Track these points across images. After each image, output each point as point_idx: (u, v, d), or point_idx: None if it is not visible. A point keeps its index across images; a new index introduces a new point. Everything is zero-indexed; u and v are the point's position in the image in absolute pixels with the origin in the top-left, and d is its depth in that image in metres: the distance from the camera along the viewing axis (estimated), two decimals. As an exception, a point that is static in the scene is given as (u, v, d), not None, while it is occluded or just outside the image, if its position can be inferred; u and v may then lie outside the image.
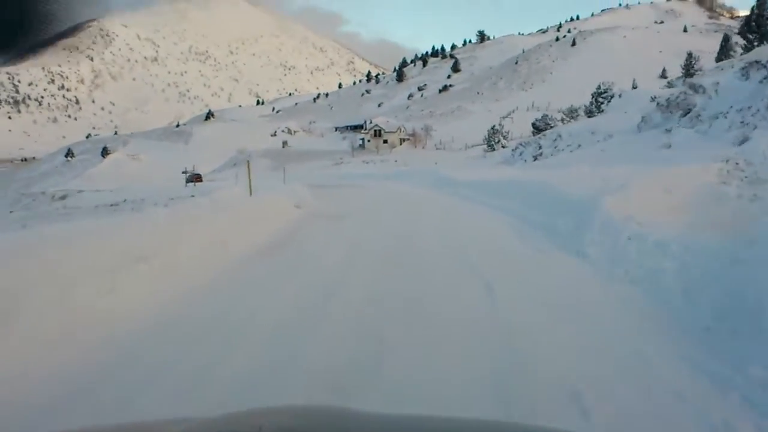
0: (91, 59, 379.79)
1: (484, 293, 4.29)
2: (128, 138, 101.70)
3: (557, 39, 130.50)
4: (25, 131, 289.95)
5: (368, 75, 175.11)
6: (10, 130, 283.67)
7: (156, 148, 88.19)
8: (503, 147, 41.32)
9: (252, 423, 1.14)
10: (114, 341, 3.38)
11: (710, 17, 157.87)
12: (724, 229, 4.88)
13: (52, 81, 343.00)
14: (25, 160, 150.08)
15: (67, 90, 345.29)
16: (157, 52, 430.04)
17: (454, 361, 2.99)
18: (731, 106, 13.85)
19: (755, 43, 29.11)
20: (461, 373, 2.85)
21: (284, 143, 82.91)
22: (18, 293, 3.29)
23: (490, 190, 11.87)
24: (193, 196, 12.53)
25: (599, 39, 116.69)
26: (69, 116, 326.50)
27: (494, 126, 47.08)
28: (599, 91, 34.51)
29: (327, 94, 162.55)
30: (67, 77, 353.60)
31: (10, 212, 20.78)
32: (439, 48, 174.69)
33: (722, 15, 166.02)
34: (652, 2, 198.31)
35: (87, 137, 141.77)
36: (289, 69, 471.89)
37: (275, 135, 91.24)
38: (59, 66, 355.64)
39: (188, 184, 34.87)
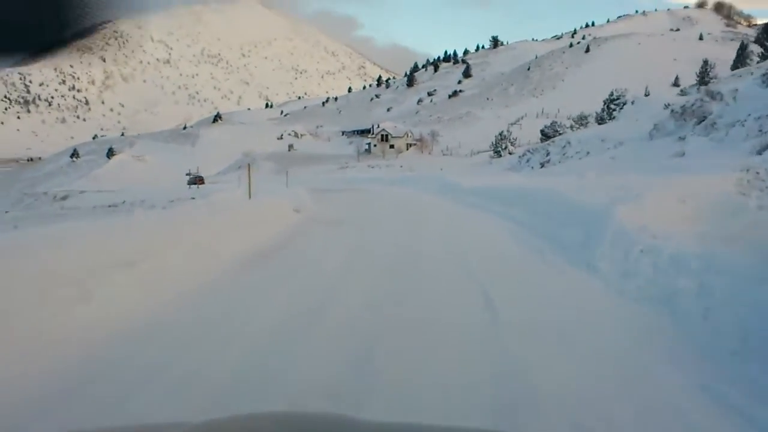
0: (104, 60, 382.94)
1: (487, 317, 3.86)
2: (135, 139, 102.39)
3: (571, 45, 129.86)
4: (34, 131, 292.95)
5: (378, 80, 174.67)
6: (18, 130, 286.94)
7: (162, 150, 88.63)
8: (510, 153, 40.95)
9: (237, 429, 1.14)
10: (90, 350, 3.20)
11: (727, 25, 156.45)
12: (743, 242, 4.61)
13: (63, 82, 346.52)
14: (31, 160, 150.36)
15: (78, 91, 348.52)
16: (169, 54, 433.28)
17: (446, 394, 2.66)
18: (749, 114, 13.49)
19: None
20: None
21: (290, 146, 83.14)
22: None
23: (495, 197, 11.65)
24: (193, 198, 12.38)
25: (613, 46, 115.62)
26: (78, 117, 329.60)
27: (502, 132, 46.74)
28: (612, 97, 34.01)
29: (336, 98, 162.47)
30: (78, 78, 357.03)
31: (6, 212, 20.78)
32: (452, 53, 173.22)
33: (740, 23, 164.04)
34: (668, 9, 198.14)
35: (93, 138, 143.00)
36: (300, 73, 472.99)
37: (281, 138, 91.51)
38: (71, 67, 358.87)
39: (191, 187, 34.93)
